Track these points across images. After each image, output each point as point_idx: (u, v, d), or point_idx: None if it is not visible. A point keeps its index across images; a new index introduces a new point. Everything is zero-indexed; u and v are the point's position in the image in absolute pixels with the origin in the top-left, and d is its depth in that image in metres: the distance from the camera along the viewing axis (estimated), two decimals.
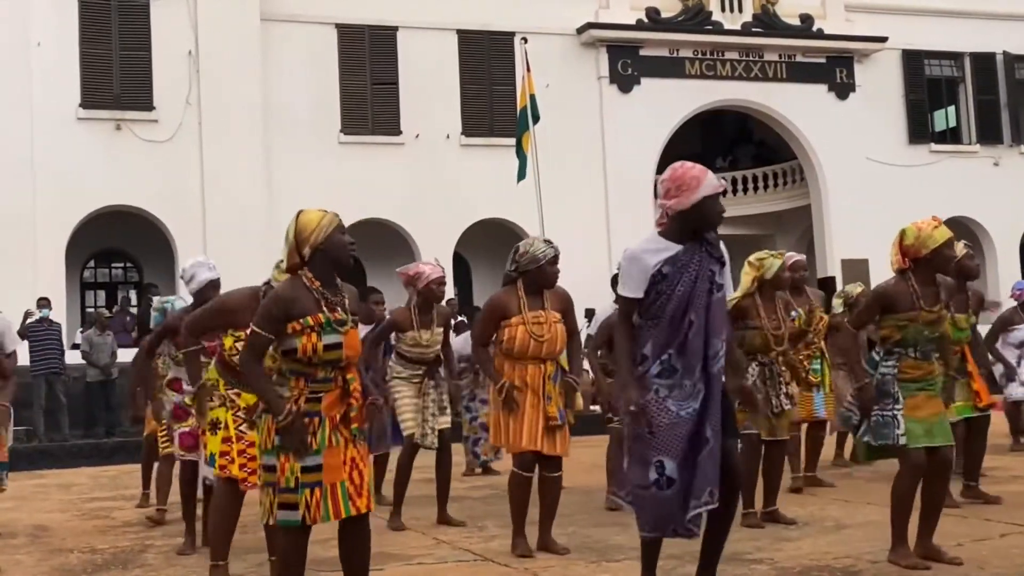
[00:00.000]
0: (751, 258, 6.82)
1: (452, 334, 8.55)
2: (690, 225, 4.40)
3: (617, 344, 4.49)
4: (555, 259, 6.01)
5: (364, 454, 4.16)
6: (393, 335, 7.40)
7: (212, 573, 5.34)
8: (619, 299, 4.51)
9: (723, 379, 4.41)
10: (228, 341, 5.22)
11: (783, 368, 6.78)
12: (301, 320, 4.05)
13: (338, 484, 4.03)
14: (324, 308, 4.09)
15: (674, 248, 4.38)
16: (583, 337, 7.21)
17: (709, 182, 4.39)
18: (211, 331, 5.32)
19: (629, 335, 4.41)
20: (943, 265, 5.25)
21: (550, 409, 5.88)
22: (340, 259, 4.19)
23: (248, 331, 4.16)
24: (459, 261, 22.37)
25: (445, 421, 7.30)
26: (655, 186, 4.98)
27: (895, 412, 5.11)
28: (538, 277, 5.96)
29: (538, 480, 6.07)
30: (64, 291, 19.67)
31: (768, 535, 6.28)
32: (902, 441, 5.09)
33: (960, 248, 5.57)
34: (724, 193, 4.66)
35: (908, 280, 5.21)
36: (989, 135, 25.58)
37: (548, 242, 6.02)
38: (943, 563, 5.11)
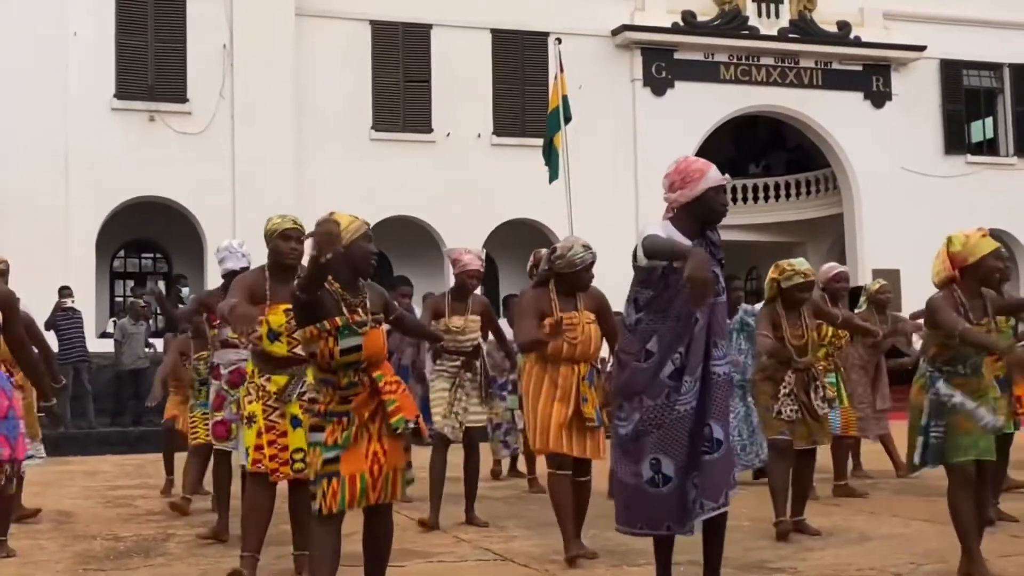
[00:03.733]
0: (778, 263, 6.74)
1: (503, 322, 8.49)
2: (695, 218, 4.38)
3: (665, 242, 4.19)
4: (591, 265, 5.93)
5: (392, 448, 4.17)
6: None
7: (243, 563, 5.34)
8: (648, 239, 4.21)
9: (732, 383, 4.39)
10: (273, 319, 5.18)
11: (819, 371, 6.72)
12: (318, 325, 4.11)
13: (357, 475, 4.10)
14: (344, 310, 4.13)
15: (686, 241, 4.33)
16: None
17: (713, 174, 4.38)
18: (256, 312, 5.25)
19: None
20: (988, 275, 5.17)
21: (586, 410, 5.78)
22: (359, 267, 4.29)
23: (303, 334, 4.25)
24: (486, 260, 22.33)
25: (477, 419, 7.20)
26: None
27: (943, 435, 5.04)
28: (573, 280, 5.90)
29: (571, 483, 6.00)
30: (94, 280, 19.84)
31: (792, 544, 6.22)
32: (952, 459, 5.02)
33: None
34: (729, 194, 4.63)
35: (955, 293, 5.12)
36: None
37: (587, 247, 5.91)
38: None
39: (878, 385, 9.26)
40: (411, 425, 4.20)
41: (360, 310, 4.18)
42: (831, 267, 8.36)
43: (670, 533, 4.38)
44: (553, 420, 5.77)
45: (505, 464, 10.54)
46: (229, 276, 6.34)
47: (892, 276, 22.15)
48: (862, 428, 9.10)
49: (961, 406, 5.03)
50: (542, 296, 5.92)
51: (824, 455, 8.42)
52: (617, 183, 22.14)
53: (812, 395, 6.59)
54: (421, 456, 8.92)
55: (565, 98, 18.56)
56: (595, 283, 6.12)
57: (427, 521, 7.03)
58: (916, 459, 5.12)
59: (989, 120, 25.92)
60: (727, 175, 4.51)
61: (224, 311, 5.28)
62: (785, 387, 6.52)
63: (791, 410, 6.51)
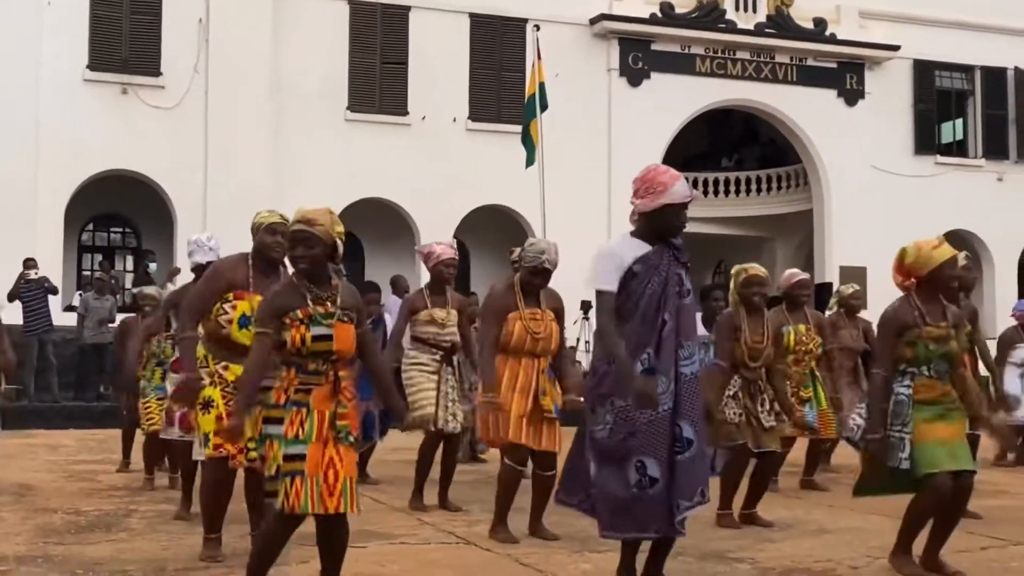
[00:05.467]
0: (735, 267, 6.85)
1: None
2: (654, 229, 4.46)
3: (608, 338, 4.42)
4: (541, 271, 5.97)
5: (345, 456, 4.14)
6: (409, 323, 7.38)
7: (206, 545, 5.37)
8: (599, 296, 4.46)
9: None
10: (246, 305, 5.19)
11: (766, 385, 6.74)
12: (291, 314, 4.16)
13: (314, 479, 4.07)
14: (310, 303, 4.17)
15: (645, 248, 4.44)
16: (580, 328, 7.20)
17: (675, 190, 4.41)
18: (211, 303, 5.29)
19: (617, 329, 4.39)
20: (944, 284, 5.16)
21: (545, 402, 5.92)
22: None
23: (255, 332, 4.30)
24: (458, 246, 22.35)
25: (461, 421, 7.26)
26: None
27: (903, 435, 5.02)
28: (523, 278, 6.04)
29: (532, 477, 6.09)
30: (61, 253, 19.66)
31: (751, 536, 6.31)
32: (905, 465, 5.01)
33: (961, 259, 5.53)
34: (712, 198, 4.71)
35: (911, 299, 5.16)
36: (995, 150, 25.57)
37: (544, 252, 5.97)
38: None
39: (859, 384, 9.38)
40: (351, 439, 4.17)
41: (329, 303, 4.21)
42: (793, 273, 8.40)
43: (657, 535, 4.43)
44: (513, 411, 5.88)
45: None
46: (198, 270, 6.33)
47: (859, 273, 22.47)
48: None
49: (919, 413, 5.02)
50: (508, 293, 6.05)
51: (798, 451, 8.56)
52: (590, 172, 22.17)
53: (758, 406, 6.64)
54: (398, 440, 8.98)
55: (542, 85, 18.57)
56: (565, 270, 6.23)
57: (414, 504, 7.14)
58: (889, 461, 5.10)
59: (959, 122, 26.16)
60: (695, 191, 4.55)
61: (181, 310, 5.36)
62: (730, 389, 6.59)
63: (733, 412, 6.56)
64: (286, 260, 5.08)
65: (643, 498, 4.34)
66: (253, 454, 5.04)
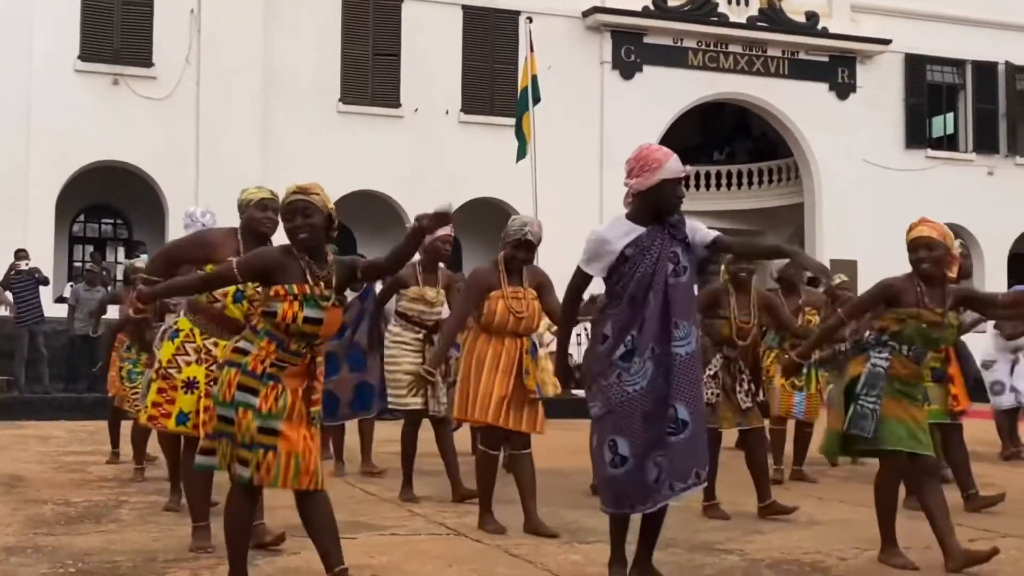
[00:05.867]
0: None
1: None
2: (650, 207, 4.46)
3: (564, 316, 4.69)
4: (524, 243, 5.94)
5: (314, 437, 4.17)
6: (394, 299, 7.37)
7: (195, 535, 5.35)
8: (576, 271, 4.54)
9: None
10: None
11: (744, 365, 6.73)
12: (286, 286, 4.09)
13: (293, 456, 4.07)
14: (309, 279, 4.12)
15: (639, 230, 4.44)
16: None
17: (670, 166, 4.44)
18: (188, 263, 5.24)
19: (575, 312, 4.69)
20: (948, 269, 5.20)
21: (528, 382, 5.88)
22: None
23: (227, 265, 4.25)
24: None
25: (443, 405, 7.15)
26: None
27: (875, 406, 5.07)
28: (507, 254, 6.00)
29: (508, 459, 6.06)
30: (53, 244, 19.63)
31: (740, 527, 6.33)
32: (868, 434, 5.06)
33: (956, 247, 5.57)
34: (687, 181, 4.72)
35: (915, 278, 5.19)
36: (986, 144, 25.65)
37: (526, 224, 5.96)
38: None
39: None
40: (317, 420, 4.20)
41: (324, 284, 4.17)
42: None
43: (633, 512, 4.46)
44: (495, 392, 5.83)
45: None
46: None
47: (850, 267, 22.55)
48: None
49: (888, 387, 5.08)
50: (492, 271, 6.02)
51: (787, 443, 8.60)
52: (582, 165, 22.20)
53: (737, 386, 6.63)
54: (387, 431, 8.98)
55: (535, 78, 18.56)
56: (557, 262, 6.21)
57: (404, 496, 7.08)
58: (844, 425, 5.15)
59: (950, 116, 26.24)
60: (688, 167, 4.57)
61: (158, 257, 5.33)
62: (710, 369, 6.52)
63: (712, 392, 6.48)
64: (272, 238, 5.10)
65: (613, 476, 4.38)
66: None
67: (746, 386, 6.66)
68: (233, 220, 5.45)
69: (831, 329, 5.47)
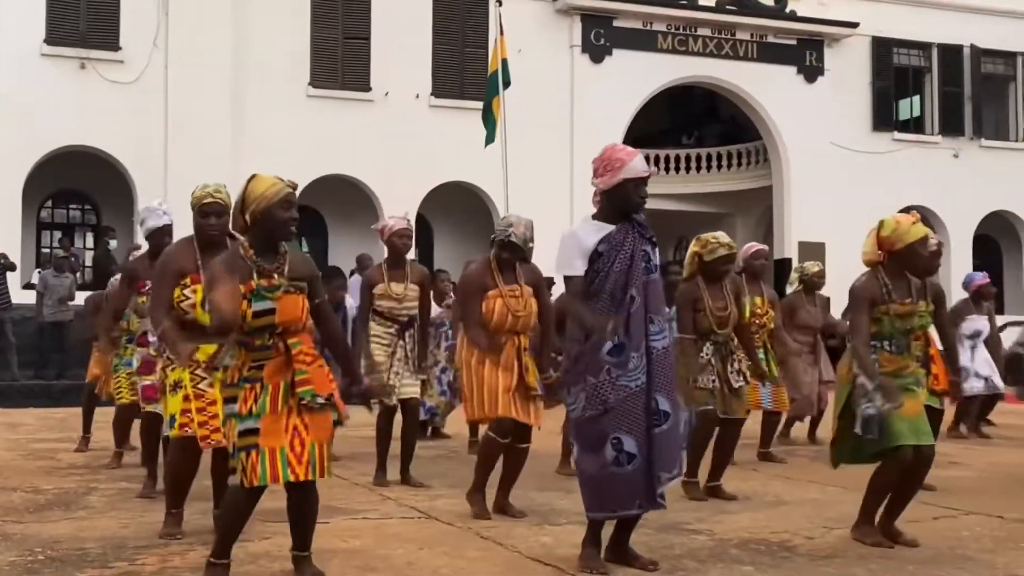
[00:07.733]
0: (700, 236, 6.88)
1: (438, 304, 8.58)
2: (615, 206, 4.54)
3: (579, 313, 4.51)
4: (508, 244, 5.99)
5: (312, 422, 4.12)
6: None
7: (167, 522, 5.38)
8: (567, 282, 4.57)
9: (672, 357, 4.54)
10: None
11: (736, 346, 6.87)
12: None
13: (277, 449, 4.07)
14: (255, 276, 4.12)
15: (608, 228, 4.52)
16: None
17: (633, 166, 4.50)
18: (171, 291, 5.25)
19: (589, 308, 4.49)
20: (913, 260, 5.24)
21: (529, 379, 5.96)
22: (274, 234, 4.16)
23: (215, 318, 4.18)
24: (422, 222, 22.32)
25: (411, 390, 7.21)
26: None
27: (878, 411, 5.09)
28: (495, 254, 6.06)
29: (506, 448, 6.13)
30: (20, 230, 19.44)
31: (709, 507, 6.40)
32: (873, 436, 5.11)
33: (932, 243, 5.64)
34: (657, 164, 4.76)
35: (878, 274, 5.26)
36: (951, 127, 25.87)
37: (511, 226, 6.01)
38: (901, 544, 5.21)
39: (819, 360, 9.51)
40: (319, 400, 4.12)
41: (276, 275, 4.15)
42: (751, 245, 8.59)
43: (615, 516, 4.53)
44: (500, 387, 5.91)
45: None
46: (153, 235, 6.29)
47: (818, 249, 22.73)
48: (799, 408, 9.34)
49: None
50: (485, 271, 6.07)
51: (753, 423, 8.68)
52: (553, 149, 22.20)
53: (728, 368, 6.76)
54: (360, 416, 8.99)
55: (504, 61, 18.51)
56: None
57: (377, 480, 7.19)
58: (857, 429, 5.16)
59: (916, 99, 26.43)
60: (653, 168, 4.65)
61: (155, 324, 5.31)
62: (703, 357, 6.69)
63: (708, 379, 6.68)
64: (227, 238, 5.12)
65: (622, 475, 4.42)
66: (218, 435, 5.06)
67: (736, 366, 6.79)
68: None
69: (865, 358, 5.14)
